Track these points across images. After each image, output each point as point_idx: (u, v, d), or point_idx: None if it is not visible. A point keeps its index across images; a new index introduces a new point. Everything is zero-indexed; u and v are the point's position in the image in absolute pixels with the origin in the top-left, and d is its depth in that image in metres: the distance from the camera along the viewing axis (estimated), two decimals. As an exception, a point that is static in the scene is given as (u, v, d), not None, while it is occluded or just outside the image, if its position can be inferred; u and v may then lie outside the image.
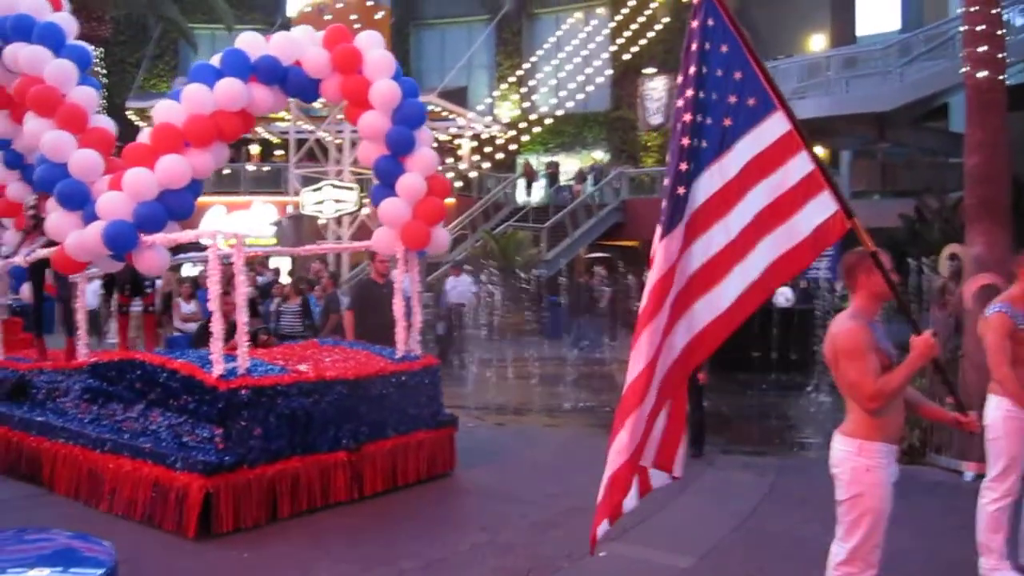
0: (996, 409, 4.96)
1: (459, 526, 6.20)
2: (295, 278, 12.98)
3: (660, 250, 3.54)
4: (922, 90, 20.53)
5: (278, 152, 29.21)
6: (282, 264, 22.65)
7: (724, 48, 3.66)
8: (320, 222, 22.65)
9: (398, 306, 7.48)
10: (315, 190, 21.85)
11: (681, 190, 3.58)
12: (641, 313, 3.53)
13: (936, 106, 23.14)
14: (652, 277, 3.53)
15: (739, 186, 3.62)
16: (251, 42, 6.89)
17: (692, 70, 3.66)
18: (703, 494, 6.91)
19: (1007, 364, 4.84)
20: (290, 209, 24.33)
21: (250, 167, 26.86)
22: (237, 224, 21.68)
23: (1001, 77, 7.86)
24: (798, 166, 3.60)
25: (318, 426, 6.34)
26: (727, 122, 3.64)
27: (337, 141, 24.14)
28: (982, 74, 7.79)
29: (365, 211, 22.36)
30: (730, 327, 3.58)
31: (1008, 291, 5.08)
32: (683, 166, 3.60)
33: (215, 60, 6.80)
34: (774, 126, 3.63)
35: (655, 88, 29.60)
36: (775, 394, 12.78)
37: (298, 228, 23.45)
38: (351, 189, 21.60)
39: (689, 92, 3.64)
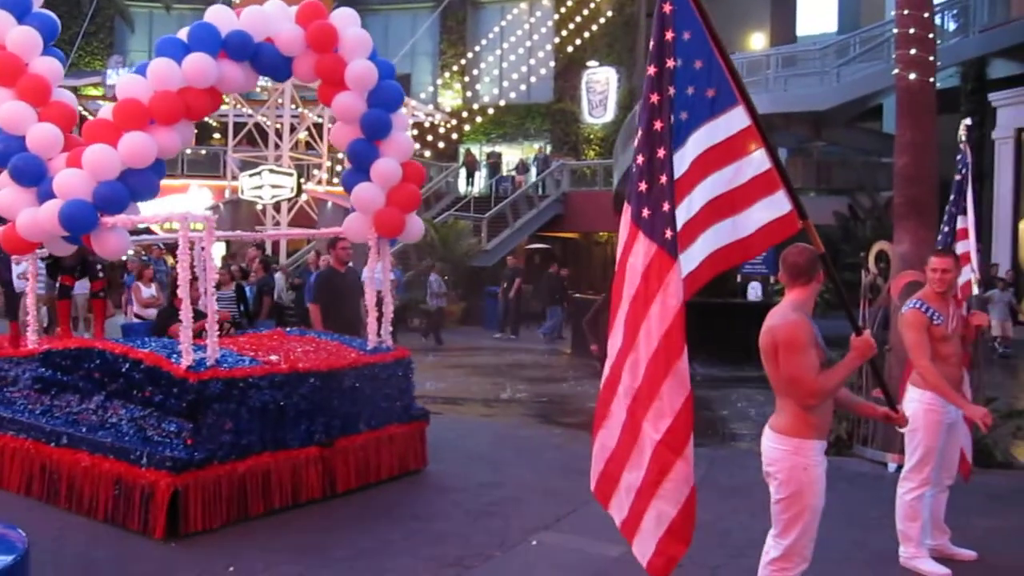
0: (916, 402, 5.11)
1: (393, 515, 6.17)
2: (224, 266, 12.76)
3: (674, 275, 3.38)
4: (857, 91, 21.03)
5: (215, 135, 28.70)
6: (215, 249, 22.28)
7: (687, 35, 3.49)
8: (258, 207, 22.34)
9: (370, 296, 7.28)
10: (253, 175, 21.52)
11: (667, 206, 3.44)
12: (674, 344, 3.38)
13: (871, 107, 23.72)
14: (673, 303, 3.37)
15: (689, 180, 3.53)
16: (221, 16, 6.52)
17: (670, 63, 3.48)
18: (635, 484, 6.97)
19: (926, 357, 4.98)
20: (227, 194, 23.95)
21: (187, 150, 26.34)
22: (176, 207, 21.26)
23: (931, 80, 8.05)
24: (754, 163, 3.52)
25: (290, 420, 6.15)
26: (683, 116, 3.52)
27: (276, 126, 23.80)
28: (913, 76, 7.98)
29: (304, 197, 22.11)
30: None
31: (923, 290, 5.24)
32: (663, 178, 3.46)
33: (182, 34, 6.45)
34: (733, 120, 3.52)
35: (598, 81, 29.76)
36: (711, 386, 12.96)
37: (236, 213, 23.09)
38: (290, 175, 21.32)
39: (671, 90, 3.48)
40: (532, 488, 6.86)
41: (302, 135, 24.80)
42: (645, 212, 3.47)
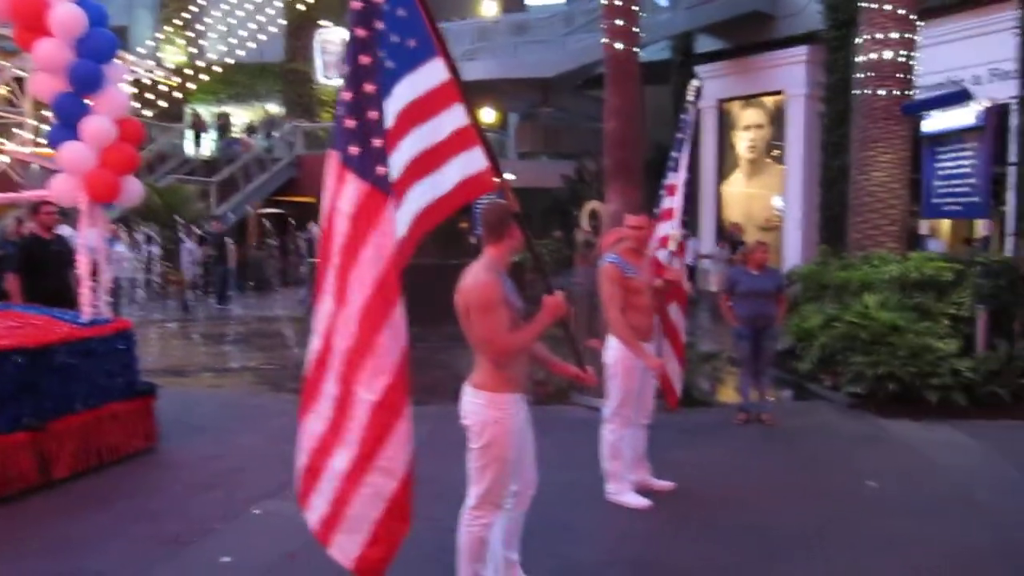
0: (613, 349, 5.51)
1: (111, 498, 5.78)
2: None
3: (388, 213, 3.10)
4: (582, 59, 21.94)
5: None
6: None
7: None
8: (-52, 170, 19.99)
9: (83, 264, 6.71)
10: (-59, 134, 19.20)
11: (378, 142, 3.16)
12: (390, 290, 3.08)
13: (595, 75, 24.92)
14: (386, 243, 3.07)
15: (395, 136, 3.35)
16: None
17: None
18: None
19: (616, 309, 5.37)
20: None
21: None
22: None
23: (635, 49, 8.62)
24: (453, 118, 3.45)
25: None
26: (389, 64, 3.32)
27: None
28: (619, 46, 8.50)
29: (5, 159, 20.03)
30: None
31: (620, 245, 5.63)
32: (373, 114, 3.16)
33: None
34: (433, 73, 3.42)
35: (331, 41, 29.15)
36: (444, 346, 13.22)
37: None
38: (-15, 133, 19.22)
39: (380, 25, 3.21)
40: (259, 457, 6.69)
41: (1, 89, 22.40)
42: (353, 149, 3.17)
